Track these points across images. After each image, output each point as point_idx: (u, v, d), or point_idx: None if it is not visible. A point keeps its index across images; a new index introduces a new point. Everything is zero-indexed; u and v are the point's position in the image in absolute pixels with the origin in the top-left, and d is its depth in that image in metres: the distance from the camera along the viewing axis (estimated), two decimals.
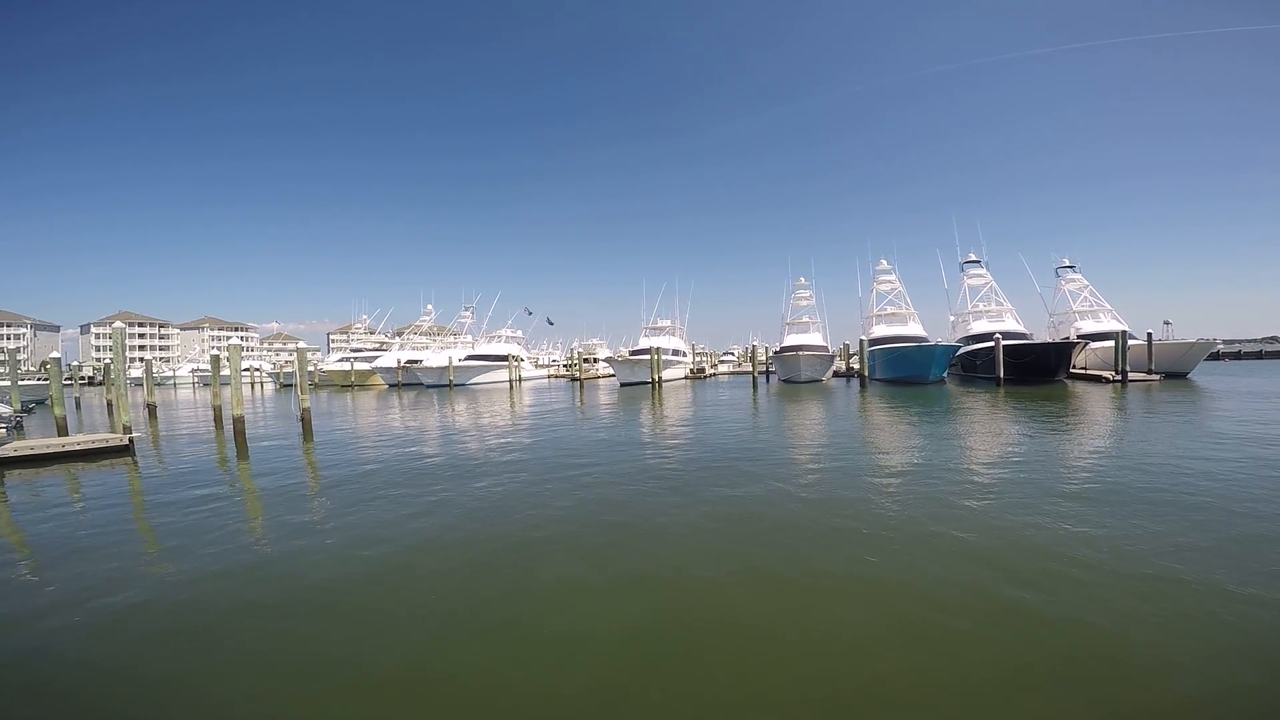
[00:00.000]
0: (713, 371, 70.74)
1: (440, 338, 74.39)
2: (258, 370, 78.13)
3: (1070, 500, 8.84)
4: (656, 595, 6.00)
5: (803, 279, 58.93)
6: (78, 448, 15.19)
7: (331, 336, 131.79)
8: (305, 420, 19.38)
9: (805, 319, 55.82)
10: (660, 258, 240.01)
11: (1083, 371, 39.40)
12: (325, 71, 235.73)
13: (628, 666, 4.68)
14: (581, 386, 49.84)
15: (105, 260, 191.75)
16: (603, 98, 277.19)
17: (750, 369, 57.55)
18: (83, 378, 72.24)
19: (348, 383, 63.86)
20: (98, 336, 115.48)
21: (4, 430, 16.60)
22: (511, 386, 52.73)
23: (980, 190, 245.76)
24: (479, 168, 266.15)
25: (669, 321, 61.64)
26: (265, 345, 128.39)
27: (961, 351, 44.05)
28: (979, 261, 53.89)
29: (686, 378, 59.19)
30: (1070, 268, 52.25)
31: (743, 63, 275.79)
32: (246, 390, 52.64)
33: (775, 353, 52.19)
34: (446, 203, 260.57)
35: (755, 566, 6.67)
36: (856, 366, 45.45)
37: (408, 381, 58.15)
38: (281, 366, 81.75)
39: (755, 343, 52.58)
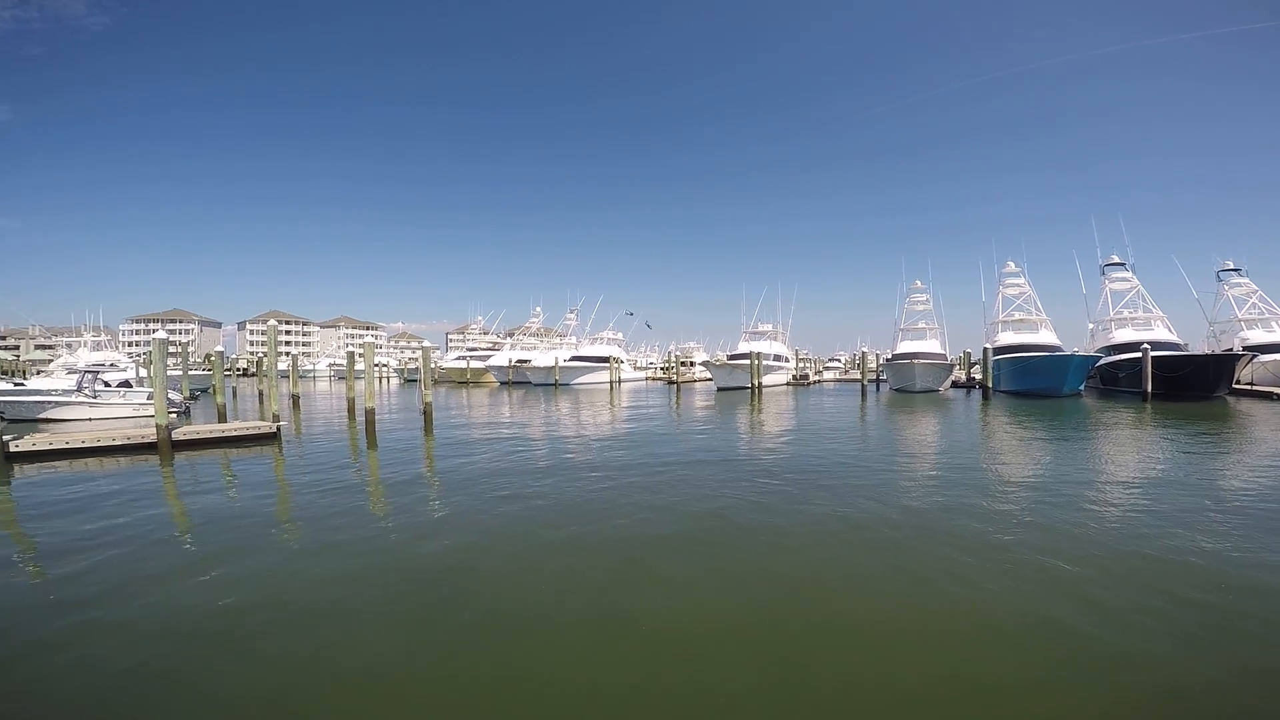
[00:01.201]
0: (816, 378, 68.31)
1: (547, 339, 77.18)
2: (385, 366, 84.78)
3: (1230, 539, 7.55)
4: (752, 598, 5.94)
5: (919, 282, 55.50)
6: (234, 433, 17.05)
7: (449, 336, 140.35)
8: (427, 414, 20.70)
9: (921, 324, 52.50)
10: (761, 261, 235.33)
11: (1249, 388, 34.26)
12: (460, 73, 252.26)
13: (729, 667, 4.62)
14: (678, 390, 49.78)
15: (258, 264, 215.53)
16: (704, 105, 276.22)
17: (858, 377, 54.98)
18: (239, 369, 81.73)
19: (464, 379, 67.68)
20: (252, 333, 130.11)
21: (175, 415, 18.94)
22: (611, 388, 53.65)
23: (1124, 186, 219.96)
24: (583, 173, 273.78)
25: (770, 326, 60.20)
26: (391, 343, 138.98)
27: (1102, 362, 39.73)
28: (1123, 264, 48.60)
29: (788, 384, 57.53)
30: (1235, 270, 45.70)
31: (858, 62, 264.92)
32: (375, 384, 57.01)
33: (887, 360, 49.50)
34: (552, 206, 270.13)
35: (850, 578, 6.48)
36: (978, 376, 42.17)
37: (517, 380, 60.76)
38: (406, 363, 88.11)
39: (864, 349, 49.87)
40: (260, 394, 36.27)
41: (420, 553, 7.50)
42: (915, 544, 7.60)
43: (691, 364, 71.69)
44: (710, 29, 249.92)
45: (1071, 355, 36.31)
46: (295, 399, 30.98)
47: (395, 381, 74.08)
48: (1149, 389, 31.74)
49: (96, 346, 47.27)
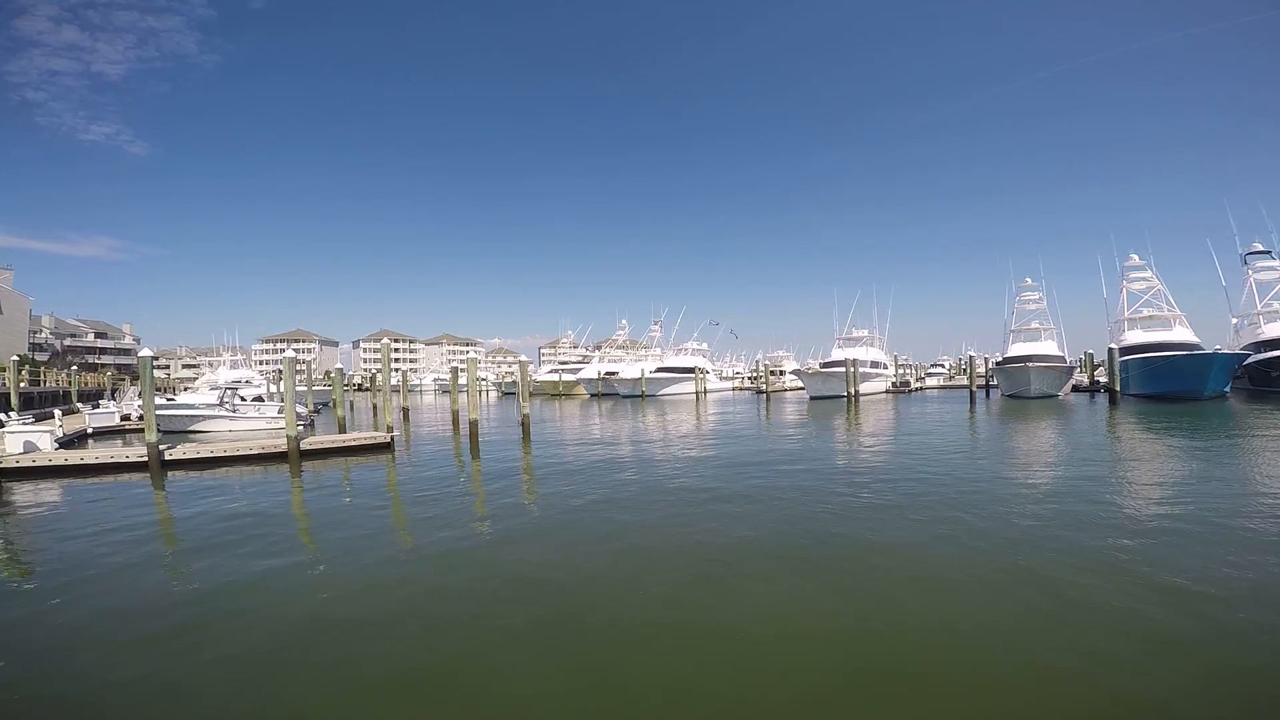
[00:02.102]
0: (918, 385, 64.85)
1: (633, 351, 78.15)
2: (484, 380, 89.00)
3: None
4: (849, 612, 5.67)
5: (1029, 279, 51.56)
6: (353, 444, 18.45)
7: (541, 350, 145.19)
8: (525, 425, 21.53)
9: (1034, 324, 48.69)
10: (853, 266, 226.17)
11: None
12: (548, 88, 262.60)
13: (822, 675, 4.45)
14: (768, 399, 48.82)
15: (369, 284, 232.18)
16: (785, 109, 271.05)
17: (965, 382, 51.67)
18: (354, 384, 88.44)
19: (556, 392, 69.81)
20: (365, 350, 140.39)
21: (302, 427, 20.74)
22: (698, 398, 53.45)
23: (1262, 172, 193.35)
24: (665, 184, 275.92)
25: (866, 331, 57.78)
26: (489, 358, 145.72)
27: (1250, 361, 35.31)
28: (1268, 252, 43.39)
29: (887, 391, 54.99)
30: None
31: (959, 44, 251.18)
32: (477, 398, 60.00)
33: (998, 364, 46.25)
34: (635, 218, 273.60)
35: (944, 606, 5.88)
36: (1103, 379, 38.52)
37: (606, 391, 61.91)
38: (503, 376, 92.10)
39: (971, 352, 46.72)
40: (374, 407, 39.03)
41: (524, 561, 7.77)
42: (1033, 576, 6.96)
43: (781, 373, 70.26)
44: (808, 29, 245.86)
45: (1214, 354, 32.70)
46: (405, 412, 33.12)
47: (493, 395, 77.49)
48: None
49: (234, 365, 52.72)
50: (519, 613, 6.02)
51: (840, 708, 4.29)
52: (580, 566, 7.50)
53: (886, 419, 28.98)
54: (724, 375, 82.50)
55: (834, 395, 45.97)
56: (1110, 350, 35.90)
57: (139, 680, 4.81)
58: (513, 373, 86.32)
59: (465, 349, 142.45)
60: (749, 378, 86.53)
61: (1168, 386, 34.19)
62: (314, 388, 47.05)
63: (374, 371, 67.90)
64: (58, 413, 23.55)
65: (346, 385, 67.46)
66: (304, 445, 17.20)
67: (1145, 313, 43.13)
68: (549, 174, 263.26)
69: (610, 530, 9.18)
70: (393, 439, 18.83)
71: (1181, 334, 39.91)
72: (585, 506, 10.80)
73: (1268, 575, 6.37)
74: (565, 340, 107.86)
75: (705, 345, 76.18)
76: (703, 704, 4.37)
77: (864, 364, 49.20)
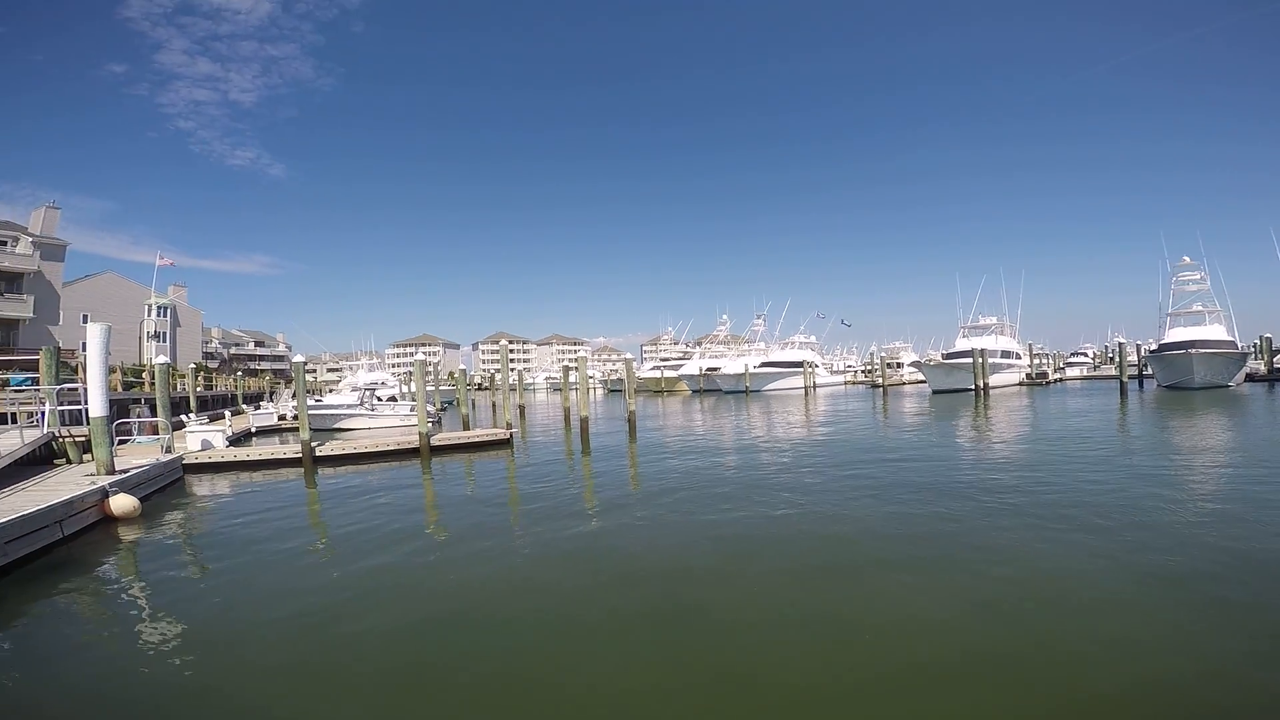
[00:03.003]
0: (1057, 376, 58.95)
1: (735, 346, 76.98)
2: (592, 378, 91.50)
3: None
4: (985, 622, 5.05)
5: (1187, 258, 45.16)
6: (476, 440, 19.52)
7: (643, 347, 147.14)
8: (631, 421, 21.83)
9: (1197, 306, 42.92)
10: (977, 251, 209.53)
11: None
12: (654, 88, 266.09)
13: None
14: (884, 393, 46.26)
15: (486, 287, 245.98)
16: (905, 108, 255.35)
17: (1114, 372, 46.39)
18: (475, 385, 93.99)
19: (658, 388, 70.27)
20: (483, 352, 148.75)
21: (432, 424, 22.21)
22: (806, 394, 51.68)
23: None
24: (770, 181, 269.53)
25: (995, 319, 53.30)
26: (594, 356, 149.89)
27: None
28: None
29: (1020, 384, 50.47)
30: None
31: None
32: (587, 395, 61.86)
33: (1152, 351, 41.13)
34: (736, 215, 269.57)
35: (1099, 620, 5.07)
36: None
37: (708, 387, 61.43)
38: (609, 374, 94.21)
39: (1120, 339, 41.69)
40: (494, 405, 41.21)
41: (636, 553, 7.86)
42: (1214, 608, 6.01)
43: (899, 365, 66.49)
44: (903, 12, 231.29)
45: None
46: (521, 409, 34.73)
47: (599, 392, 79.38)
48: None
49: (371, 368, 57.60)
50: (630, 604, 6.09)
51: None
52: (691, 560, 7.48)
53: (1021, 414, 26.58)
54: (834, 369, 79.40)
55: (959, 389, 42.82)
56: None
57: (290, 655, 5.28)
58: (617, 370, 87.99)
59: (573, 348, 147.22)
60: (862, 371, 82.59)
61: None
62: (440, 388, 50.44)
63: (493, 372, 71.86)
64: (227, 413, 26.82)
65: (468, 385, 71.70)
66: (433, 442, 18.38)
67: None
68: (636, 177, 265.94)
69: (717, 525, 9.12)
70: (511, 435, 19.72)
71: None
72: (692, 501, 10.79)
73: None
74: (665, 337, 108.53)
75: (813, 338, 73.71)
76: (824, 698, 4.17)
77: (993, 354, 45.44)
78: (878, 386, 53.78)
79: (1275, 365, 41.94)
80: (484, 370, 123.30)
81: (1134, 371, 44.16)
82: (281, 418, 29.78)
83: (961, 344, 49.23)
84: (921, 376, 49.27)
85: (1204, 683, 4.24)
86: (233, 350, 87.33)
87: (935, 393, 43.10)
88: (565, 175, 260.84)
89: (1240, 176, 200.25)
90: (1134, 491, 10.14)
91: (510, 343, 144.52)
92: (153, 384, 22.66)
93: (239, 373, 55.01)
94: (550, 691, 4.53)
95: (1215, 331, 40.14)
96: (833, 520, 9.17)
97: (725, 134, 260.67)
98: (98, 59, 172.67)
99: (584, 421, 20.29)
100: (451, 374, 55.83)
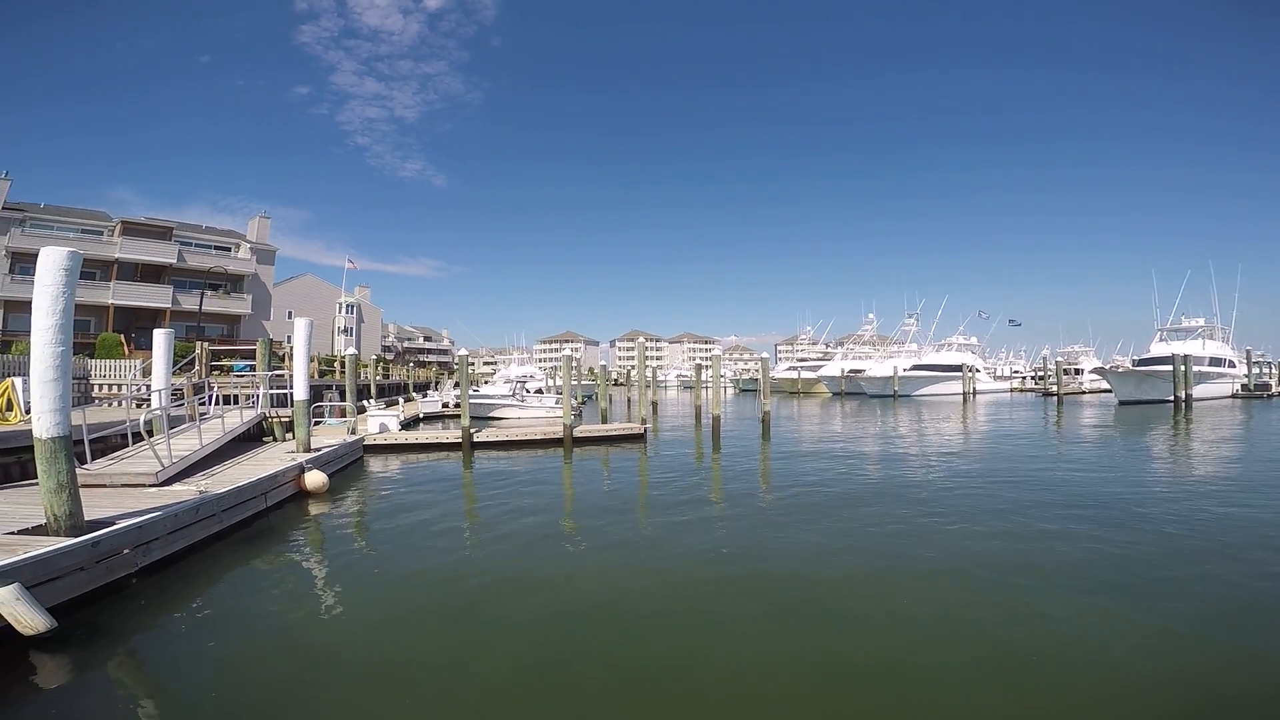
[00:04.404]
0: None
1: (882, 347, 72.35)
2: (723, 377, 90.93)
3: None
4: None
5: None
6: (614, 433, 20.23)
7: (778, 347, 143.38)
8: (765, 422, 21.41)
9: None
10: (1177, 238, 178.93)
11: None
12: (778, 91, 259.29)
13: None
14: (1060, 402, 41.07)
15: (623, 286, 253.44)
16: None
17: None
18: (612, 380, 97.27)
19: (794, 390, 68.07)
20: (619, 349, 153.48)
21: (574, 416, 23.30)
22: (964, 400, 47.25)
23: None
24: (925, 181, 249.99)
25: (1202, 320, 45.38)
26: (726, 355, 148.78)
27: None
28: None
29: (1234, 396, 42.51)
30: None
31: None
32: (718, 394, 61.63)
33: None
34: (889, 214, 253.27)
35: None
36: None
37: (850, 390, 58.43)
38: (740, 374, 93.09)
39: None
40: (629, 400, 42.40)
41: (760, 553, 7.82)
42: None
43: (1078, 371, 58.90)
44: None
45: None
46: (654, 405, 35.40)
47: (730, 391, 78.63)
48: None
49: (521, 362, 61.77)
50: (755, 603, 6.13)
51: None
52: (818, 565, 7.36)
53: (1233, 431, 22.37)
54: (998, 375, 72.08)
55: (1154, 400, 37.01)
56: None
57: (432, 631, 5.82)
58: (748, 370, 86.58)
59: (705, 347, 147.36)
60: (1032, 377, 74.08)
61: None
62: (581, 382, 52.80)
63: (628, 369, 73.82)
64: (401, 400, 30.09)
65: (606, 380, 74.39)
66: (575, 433, 19.32)
67: None
68: (782, 177, 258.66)
69: (849, 533, 8.80)
70: (645, 430, 20.16)
71: None
72: (824, 507, 10.44)
73: None
74: (803, 337, 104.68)
75: (974, 340, 67.41)
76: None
77: (1200, 360, 38.82)
78: (1051, 394, 47.86)
79: None
80: (620, 366, 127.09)
81: None
82: (445, 405, 32.78)
83: (1158, 349, 42.50)
84: (1105, 385, 43.20)
85: None
86: (405, 344, 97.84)
87: (1122, 404, 37.61)
88: (702, 177, 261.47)
89: None
90: None
91: (644, 340, 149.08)
92: (342, 372, 26.01)
93: (410, 364, 61.48)
94: (681, 684, 4.61)
95: None
96: (983, 539, 8.34)
97: (877, 133, 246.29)
98: (287, 82, 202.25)
99: (715, 420, 20.23)
100: (591, 369, 58.33)
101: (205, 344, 24.20)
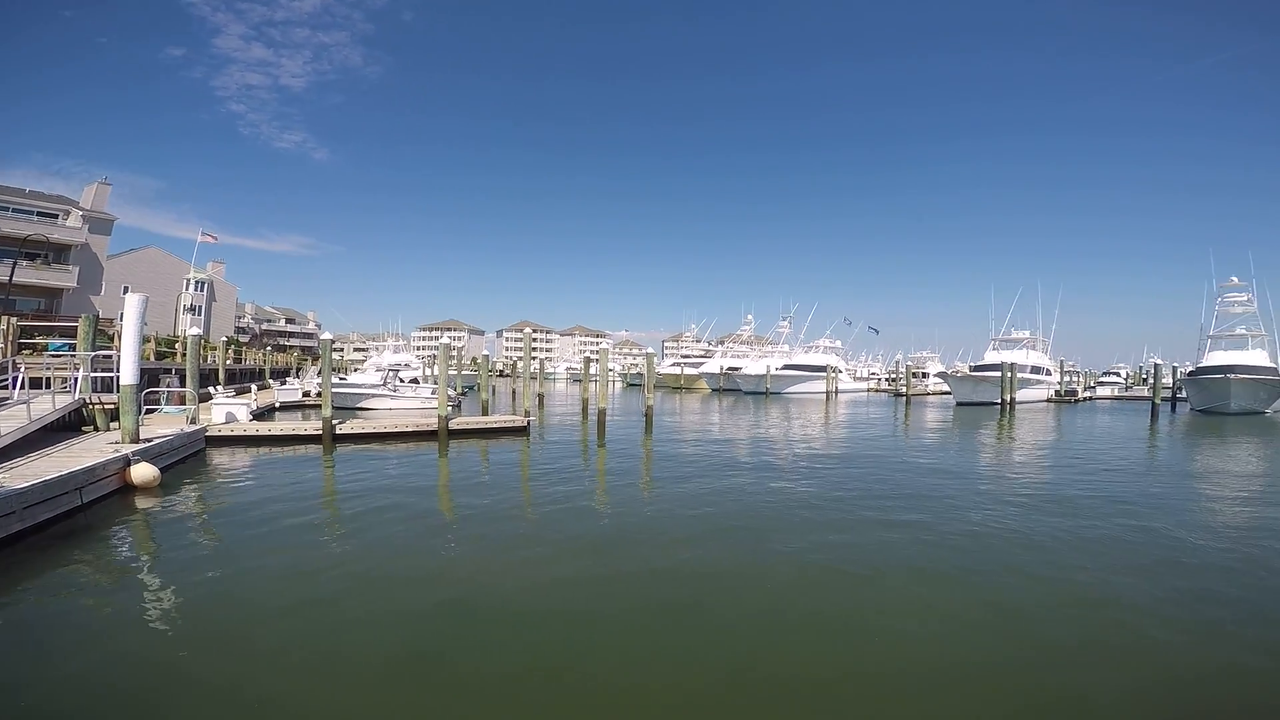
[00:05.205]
0: (1087, 394, 57.38)
1: (758, 347, 76.30)
2: (610, 371, 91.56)
3: None
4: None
5: (1235, 278, 43.65)
6: (494, 425, 19.65)
7: (665, 343, 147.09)
8: (648, 416, 21.76)
9: (1241, 330, 41.59)
10: (1010, 258, 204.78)
11: None
12: (680, 89, 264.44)
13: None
14: (908, 402, 45.57)
15: (513, 275, 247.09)
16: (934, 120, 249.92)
17: (1146, 394, 45.08)
18: (497, 371, 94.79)
19: (677, 385, 69.95)
20: (507, 339, 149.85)
21: (452, 408, 22.38)
22: (828, 399, 51.04)
23: None
24: (798, 184, 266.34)
25: (1027, 333, 52.12)
26: (615, 349, 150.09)
27: None
28: None
29: (1049, 400, 49.27)
30: None
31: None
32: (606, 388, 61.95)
33: (1189, 374, 39.91)
34: (767, 217, 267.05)
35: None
36: None
37: (728, 387, 60.96)
38: (628, 368, 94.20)
39: (1156, 360, 40.52)
40: (514, 392, 41.47)
41: (639, 549, 7.83)
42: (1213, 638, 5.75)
43: (924, 375, 65.38)
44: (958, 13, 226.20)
45: None
46: (540, 398, 34.87)
47: (618, 385, 79.44)
48: None
49: (396, 349, 58.35)
50: (633, 597, 6.11)
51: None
52: (697, 556, 7.51)
53: (1046, 430, 25.96)
54: (858, 376, 78.32)
55: (985, 402, 41.97)
56: None
57: (287, 636, 5.32)
58: (637, 364, 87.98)
59: (596, 340, 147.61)
60: (886, 379, 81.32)
61: None
62: (462, 372, 50.86)
63: (515, 359, 72.34)
64: (254, 387, 27.37)
65: (490, 371, 72.21)
66: (451, 425, 18.52)
67: None
68: (674, 176, 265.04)
69: (725, 523, 9.10)
70: (529, 423, 19.78)
71: None
72: (701, 500, 10.72)
73: None
74: (689, 334, 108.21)
75: (838, 343, 72.71)
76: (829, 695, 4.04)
77: (1023, 368, 44.50)
78: (901, 395, 52.96)
79: None
80: (506, 357, 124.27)
81: (1167, 394, 42.85)
82: (306, 394, 30.27)
83: (991, 357, 48.21)
84: (946, 388, 48.39)
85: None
86: (264, 326, 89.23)
87: (959, 405, 42.30)
88: (600, 170, 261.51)
89: None
90: (1143, 512, 9.81)
91: (534, 331, 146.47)
92: (184, 355, 23.20)
93: (268, 348, 56.11)
94: (553, 682, 4.53)
95: (1257, 356, 38.91)
96: (839, 524, 9.04)
97: (760, 135, 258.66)
98: (160, 43, 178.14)
99: (601, 413, 20.26)
100: (475, 359, 56.43)
101: (13, 319, 20.53)
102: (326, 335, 18.76)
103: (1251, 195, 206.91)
